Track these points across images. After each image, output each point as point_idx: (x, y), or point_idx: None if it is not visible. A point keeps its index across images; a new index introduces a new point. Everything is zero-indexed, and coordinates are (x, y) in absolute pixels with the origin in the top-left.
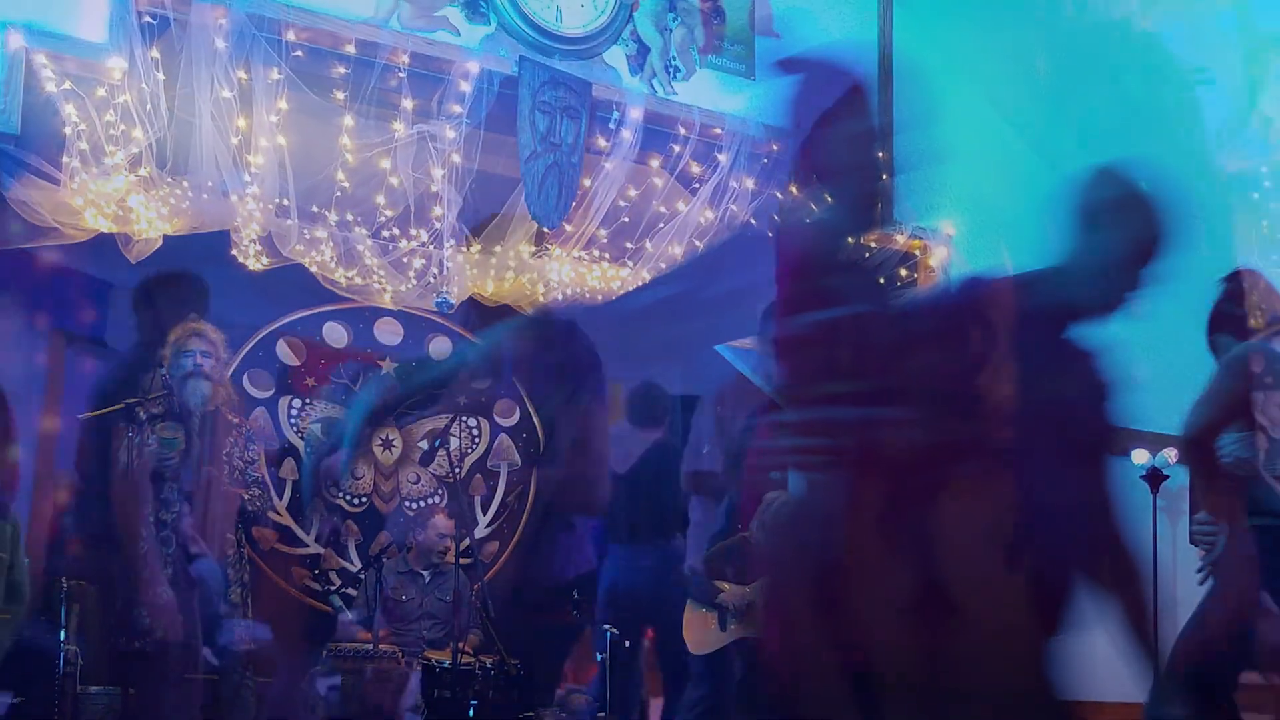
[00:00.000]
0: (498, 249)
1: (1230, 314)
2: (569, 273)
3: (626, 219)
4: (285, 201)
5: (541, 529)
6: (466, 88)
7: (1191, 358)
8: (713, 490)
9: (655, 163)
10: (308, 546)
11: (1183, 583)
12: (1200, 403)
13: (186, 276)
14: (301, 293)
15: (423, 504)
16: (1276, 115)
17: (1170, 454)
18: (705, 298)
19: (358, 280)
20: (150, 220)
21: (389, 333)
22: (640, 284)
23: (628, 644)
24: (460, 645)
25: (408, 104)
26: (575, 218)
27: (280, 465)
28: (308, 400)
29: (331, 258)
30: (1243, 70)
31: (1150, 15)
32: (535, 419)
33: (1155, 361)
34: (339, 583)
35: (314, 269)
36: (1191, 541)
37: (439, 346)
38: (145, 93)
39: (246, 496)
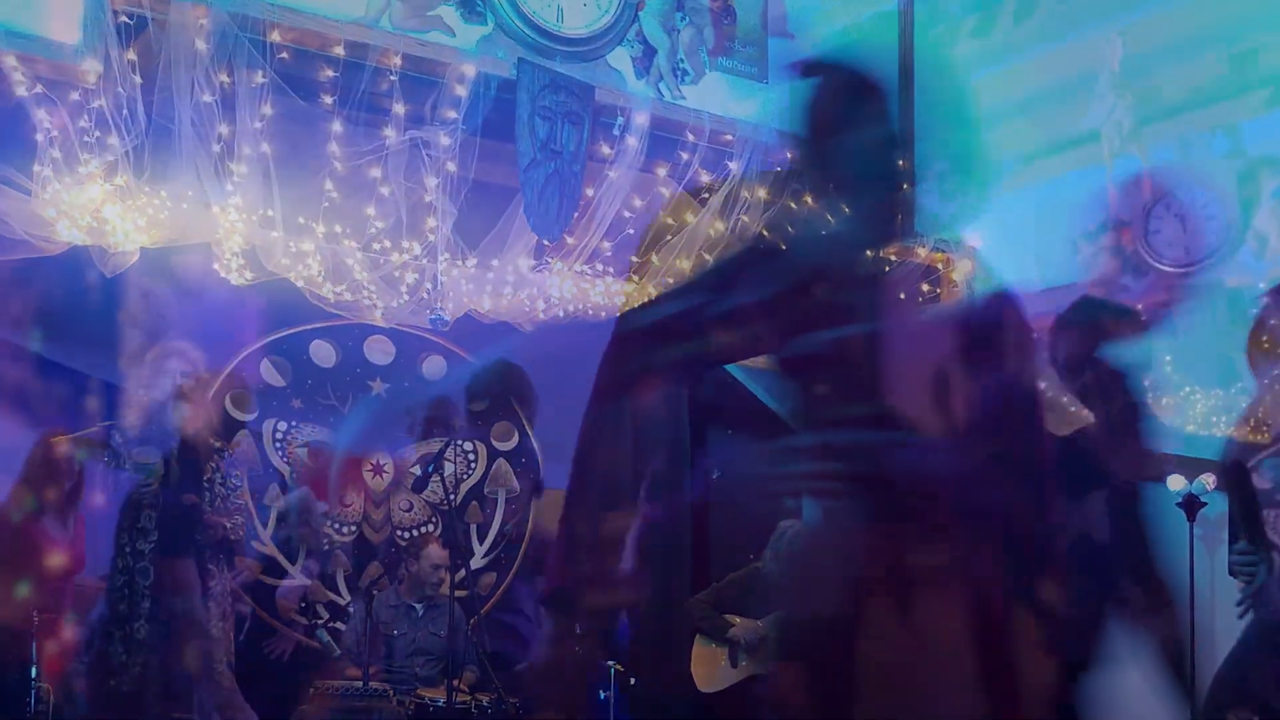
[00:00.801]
0: (495, 263)
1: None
2: (570, 288)
3: (631, 231)
4: (270, 212)
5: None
6: (462, 92)
7: (1231, 379)
8: None
9: (662, 171)
10: (294, 578)
11: (1221, 615)
12: (1240, 426)
13: None
14: (287, 309)
15: (415, 533)
16: (1270, 233)
17: (1208, 480)
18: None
19: (347, 296)
20: (127, 232)
21: (380, 352)
22: (646, 300)
23: (633, 681)
24: (455, 683)
25: (400, 109)
26: (577, 230)
27: (265, 492)
28: (294, 423)
29: (319, 272)
30: (1236, 190)
31: (1143, 144)
32: (534, 443)
33: (1193, 383)
34: (326, 616)
35: (300, 284)
36: (1231, 572)
37: (433, 366)
38: (121, 97)
39: (228, 525)
